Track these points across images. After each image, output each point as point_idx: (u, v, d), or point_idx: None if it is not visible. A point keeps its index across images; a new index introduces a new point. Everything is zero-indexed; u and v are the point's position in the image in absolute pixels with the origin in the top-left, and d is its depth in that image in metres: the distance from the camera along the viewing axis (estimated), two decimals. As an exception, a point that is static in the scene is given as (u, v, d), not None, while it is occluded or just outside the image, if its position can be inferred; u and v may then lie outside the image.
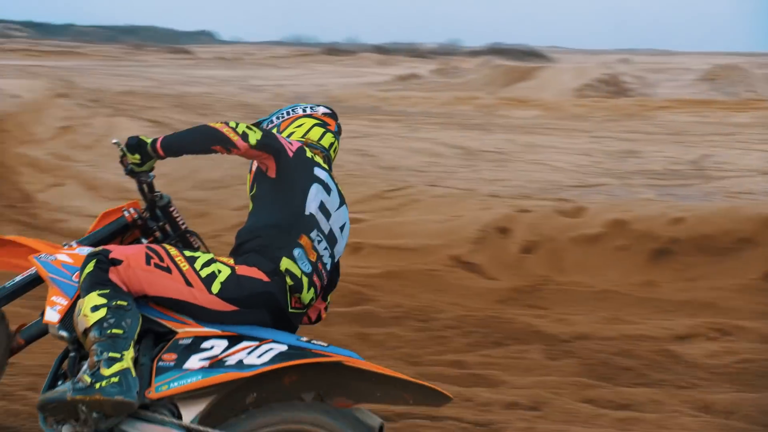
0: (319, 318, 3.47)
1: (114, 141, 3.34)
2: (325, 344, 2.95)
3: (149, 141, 3.19)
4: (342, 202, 3.35)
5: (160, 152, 3.18)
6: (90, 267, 3.01)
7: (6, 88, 20.54)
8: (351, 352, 2.92)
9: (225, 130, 3.12)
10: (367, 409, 2.99)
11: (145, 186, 3.41)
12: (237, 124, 3.15)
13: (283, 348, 2.88)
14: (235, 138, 3.10)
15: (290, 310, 3.10)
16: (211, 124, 3.17)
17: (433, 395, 2.87)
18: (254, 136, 3.13)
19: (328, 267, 3.24)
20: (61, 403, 2.92)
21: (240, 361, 2.85)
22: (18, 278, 3.38)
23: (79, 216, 11.96)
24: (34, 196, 13.31)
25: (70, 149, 16.44)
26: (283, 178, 3.18)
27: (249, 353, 2.87)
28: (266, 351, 2.87)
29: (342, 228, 3.34)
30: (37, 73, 29.50)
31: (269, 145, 3.17)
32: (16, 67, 33.16)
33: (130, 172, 3.29)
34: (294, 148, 3.27)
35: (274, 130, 3.53)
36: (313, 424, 2.81)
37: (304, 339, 2.97)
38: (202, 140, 3.13)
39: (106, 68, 38.71)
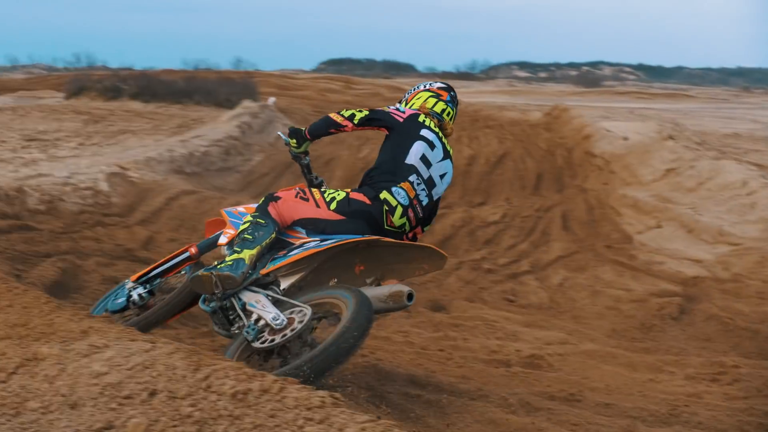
0: (414, 237, 4.77)
1: (278, 133, 5.05)
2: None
3: (303, 129, 4.76)
4: (446, 156, 4.65)
5: (307, 136, 4.79)
6: (260, 202, 4.69)
7: (616, 130, 21.80)
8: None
9: (335, 116, 4.69)
10: (404, 283, 4.48)
11: (304, 168, 5.00)
12: (346, 110, 4.66)
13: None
14: (342, 121, 4.59)
15: (385, 227, 4.53)
16: (330, 114, 4.77)
17: (437, 256, 4.38)
18: (359, 116, 4.57)
19: (424, 204, 4.63)
20: (201, 279, 4.41)
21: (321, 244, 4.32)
22: (214, 235, 5.20)
23: (675, 258, 12.13)
24: (633, 237, 13.83)
25: (673, 191, 16.74)
26: (392, 138, 4.60)
27: (330, 242, 4.32)
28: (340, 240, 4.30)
29: (443, 176, 4.66)
30: (646, 115, 30.71)
31: (372, 119, 4.60)
32: (626, 109, 35.07)
33: (294, 157, 4.88)
34: (405, 116, 4.68)
35: (403, 103, 5.00)
36: (336, 297, 4.12)
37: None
38: (324, 126, 4.67)
39: (713, 110, 38.49)
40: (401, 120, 4.64)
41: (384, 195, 4.50)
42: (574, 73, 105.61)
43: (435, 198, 4.69)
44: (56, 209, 11.82)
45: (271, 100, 35.95)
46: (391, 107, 4.85)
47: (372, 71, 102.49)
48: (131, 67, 79.04)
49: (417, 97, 4.98)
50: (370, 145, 23.90)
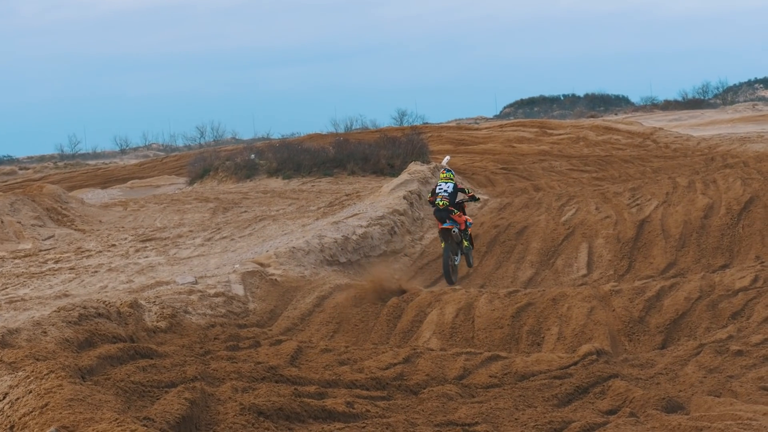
0: (455, 222, 18.10)
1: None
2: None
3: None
4: (448, 188, 18.09)
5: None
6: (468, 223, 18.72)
7: None
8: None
9: (429, 197, 19.10)
10: None
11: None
12: (430, 194, 19.15)
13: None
14: (429, 197, 19.22)
15: (438, 207, 18.02)
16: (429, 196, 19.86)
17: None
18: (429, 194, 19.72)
19: (446, 199, 17.93)
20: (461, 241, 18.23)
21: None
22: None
23: None
24: None
25: None
26: (435, 189, 18.32)
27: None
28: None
29: (447, 192, 18.04)
30: None
31: (432, 191, 18.59)
32: None
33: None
34: (438, 181, 18.59)
35: (441, 177, 18.79)
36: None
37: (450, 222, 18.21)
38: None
39: None
40: (435, 185, 18.49)
41: (436, 200, 18.04)
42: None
43: (447, 195, 17.97)
44: (180, 324, 12.29)
45: (446, 159, 36.18)
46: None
47: (573, 110, 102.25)
48: (268, 137, 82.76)
49: (439, 176, 18.62)
50: (573, 204, 23.63)
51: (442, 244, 18.11)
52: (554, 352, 12.30)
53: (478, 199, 20.69)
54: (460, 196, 18.25)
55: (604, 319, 13.44)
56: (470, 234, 18.70)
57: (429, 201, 18.82)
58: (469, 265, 18.92)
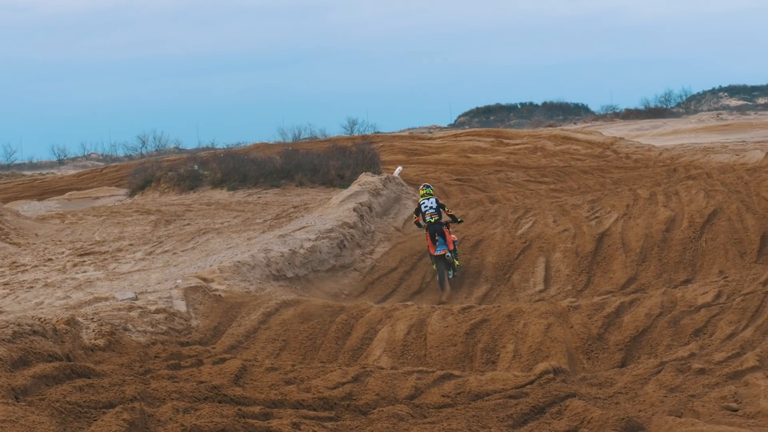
0: (440, 222, 20.25)
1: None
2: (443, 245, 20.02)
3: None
4: (432, 203, 20.36)
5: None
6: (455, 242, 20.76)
7: None
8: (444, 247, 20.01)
9: (415, 219, 21.18)
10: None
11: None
12: (415, 214, 21.74)
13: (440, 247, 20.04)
14: (415, 218, 21.41)
15: (431, 222, 20.12)
16: (414, 216, 22.30)
17: None
18: (414, 214, 22.31)
19: (434, 215, 20.18)
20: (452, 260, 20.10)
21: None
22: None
23: None
24: None
25: None
26: (421, 208, 20.49)
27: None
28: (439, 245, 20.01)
29: (432, 208, 20.27)
30: None
31: (416, 210, 20.96)
32: None
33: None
34: (420, 199, 20.86)
35: (420, 194, 21.26)
36: None
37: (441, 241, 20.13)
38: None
39: None
40: (419, 203, 20.75)
41: (427, 219, 20.23)
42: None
43: (434, 212, 20.20)
44: (119, 342, 12.23)
45: (398, 170, 36.35)
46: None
47: (531, 119, 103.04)
48: (212, 147, 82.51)
49: (420, 192, 21.00)
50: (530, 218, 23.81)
51: (434, 266, 19.89)
52: (510, 371, 12.38)
53: (461, 221, 21.64)
54: (444, 217, 20.33)
55: (562, 336, 13.55)
56: (457, 252, 20.43)
57: (415, 222, 20.82)
58: (443, 284, 19.62)
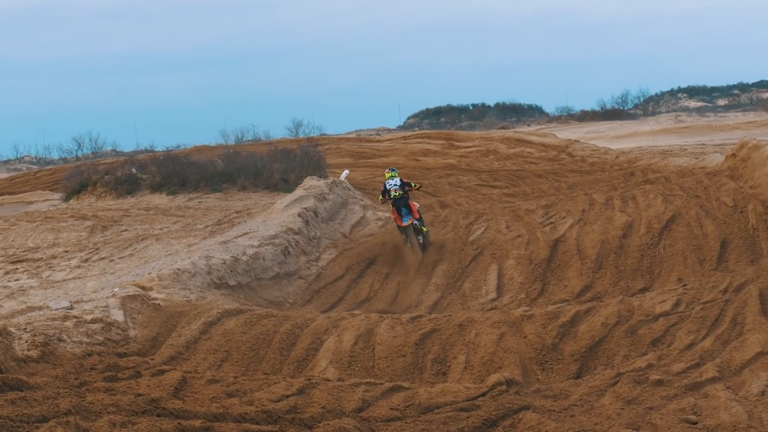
0: (406, 195, 23.16)
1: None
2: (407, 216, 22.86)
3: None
4: (397, 182, 23.13)
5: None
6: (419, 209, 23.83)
7: None
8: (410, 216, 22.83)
9: (381, 199, 24.20)
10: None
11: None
12: (381, 195, 24.10)
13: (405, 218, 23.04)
14: (381, 198, 24.26)
15: (396, 197, 22.94)
16: (380, 198, 24.49)
17: None
18: (380, 195, 24.43)
19: (398, 190, 22.94)
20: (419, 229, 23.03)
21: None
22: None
23: None
24: None
25: None
26: (386, 187, 23.29)
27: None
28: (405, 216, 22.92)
29: (397, 185, 23.01)
30: None
31: (382, 191, 23.61)
32: None
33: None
34: (386, 180, 23.58)
35: (386, 177, 24.09)
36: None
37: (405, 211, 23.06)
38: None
39: None
40: (385, 185, 23.50)
41: (391, 195, 22.94)
42: (766, 95, 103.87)
43: (398, 188, 22.99)
44: (53, 353, 12.14)
45: (345, 173, 36.36)
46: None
47: (483, 120, 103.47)
48: (151, 149, 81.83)
49: (386, 175, 23.97)
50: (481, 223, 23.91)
51: (403, 236, 22.78)
52: (461, 383, 12.44)
53: (420, 186, 25.04)
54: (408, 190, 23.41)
55: (515, 346, 13.62)
56: (423, 219, 23.47)
57: (381, 202, 24.34)
58: (425, 247, 22.64)
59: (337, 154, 54.06)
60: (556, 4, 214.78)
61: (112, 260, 22.45)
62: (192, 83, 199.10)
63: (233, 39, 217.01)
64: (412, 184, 23.67)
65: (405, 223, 22.56)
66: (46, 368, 11.61)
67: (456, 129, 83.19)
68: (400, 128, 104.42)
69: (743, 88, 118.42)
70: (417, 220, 22.76)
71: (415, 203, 23.30)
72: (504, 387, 11.54)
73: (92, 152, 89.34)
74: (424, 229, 23.03)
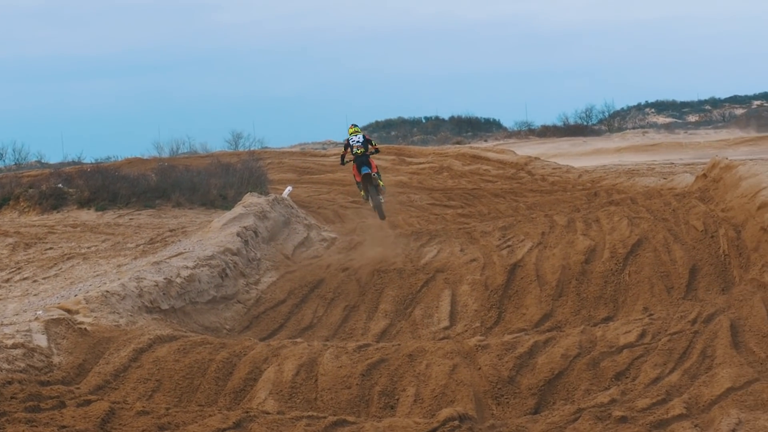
0: (367, 154, 26.58)
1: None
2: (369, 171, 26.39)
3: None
4: (361, 139, 26.35)
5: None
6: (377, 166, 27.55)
7: None
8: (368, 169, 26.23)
9: (343, 152, 27.66)
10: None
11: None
12: (344, 148, 27.36)
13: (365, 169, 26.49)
14: (343, 151, 27.47)
15: (358, 154, 26.33)
16: (342, 150, 27.99)
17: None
18: (342, 151, 27.80)
19: (361, 147, 26.26)
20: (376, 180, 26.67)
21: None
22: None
23: None
24: None
25: None
26: (350, 143, 26.59)
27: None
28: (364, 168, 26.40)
29: (359, 142, 26.28)
30: None
31: (345, 145, 26.99)
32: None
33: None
34: (349, 136, 26.76)
35: (350, 132, 27.12)
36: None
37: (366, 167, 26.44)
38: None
39: None
40: (348, 139, 26.84)
41: (354, 150, 26.36)
42: (740, 111, 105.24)
43: (361, 145, 26.26)
44: (-31, 382, 12.01)
45: (288, 190, 36.29)
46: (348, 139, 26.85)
47: (437, 135, 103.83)
48: (79, 161, 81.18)
49: (349, 131, 26.96)
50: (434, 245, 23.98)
51: (362, 193, 26.87)
52: (410, 417, 12.48)
53: (379, 150, 27.62)
54: (370, 149, 26.52)
55: (469, 378, 13.67)
56: (380, 174, 27.09)
57: (341, 156, 27.23)
58: (383, 214, 27.09)
59: (280, 169, 54.00)
60: (514, 11, 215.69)
61: (35, 281, 22.31)
62: (124, 90, 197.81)
63: (169, 43, 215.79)
64: (373, 142, 26.83)
65: (363, 173, 25.92)
66: (-38, 398, 11.51)
67: (407, 144, 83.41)
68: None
69: (715, 103, 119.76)
70: (375, 173, 26.12)
71: (374, 162, 26.49)
72: (456, 422, 11.57)
73: (15, 163, 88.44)
74: (381, 183, 26.52)
